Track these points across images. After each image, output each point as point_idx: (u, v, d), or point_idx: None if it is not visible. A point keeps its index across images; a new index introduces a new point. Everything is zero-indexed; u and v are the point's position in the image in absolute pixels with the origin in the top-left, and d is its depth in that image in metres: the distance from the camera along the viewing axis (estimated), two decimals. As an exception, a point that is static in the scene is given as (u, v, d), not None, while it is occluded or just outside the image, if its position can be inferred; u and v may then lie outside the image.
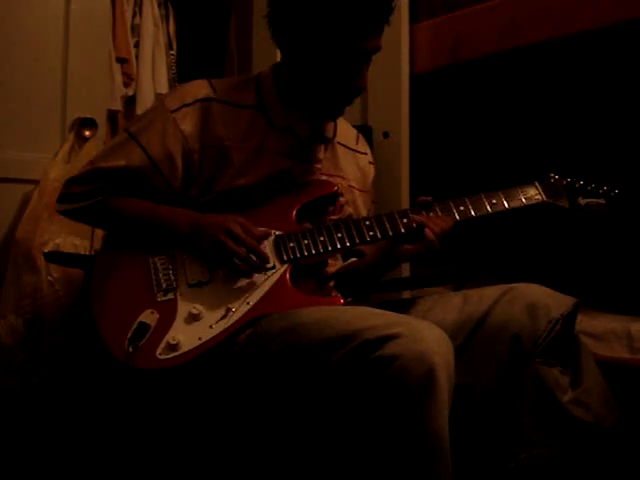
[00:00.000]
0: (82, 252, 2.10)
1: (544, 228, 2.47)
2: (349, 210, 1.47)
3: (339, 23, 1.24)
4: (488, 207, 1.35)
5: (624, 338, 1.91)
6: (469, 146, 2.56)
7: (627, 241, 2.07)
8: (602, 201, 1.41)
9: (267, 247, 1.30)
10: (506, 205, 1.36)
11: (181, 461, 1.35)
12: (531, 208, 1.39)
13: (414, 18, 2.53)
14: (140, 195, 1.34)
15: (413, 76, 2.51)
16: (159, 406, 1.33)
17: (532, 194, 1.39)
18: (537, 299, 1.22)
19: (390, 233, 1.32)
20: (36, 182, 2.14)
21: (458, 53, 2.38)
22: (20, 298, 2.05)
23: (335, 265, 1.45)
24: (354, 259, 1.51)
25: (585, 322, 1.75)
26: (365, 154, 1.57)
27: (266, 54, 2.26)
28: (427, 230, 1.29)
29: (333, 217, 1.41)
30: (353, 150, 1.54)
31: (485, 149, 2.43)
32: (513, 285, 1.27)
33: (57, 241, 2.07)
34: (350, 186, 1.49)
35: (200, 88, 1.38)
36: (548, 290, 1.26)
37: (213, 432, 1.29)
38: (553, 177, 1.42)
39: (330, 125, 1.45)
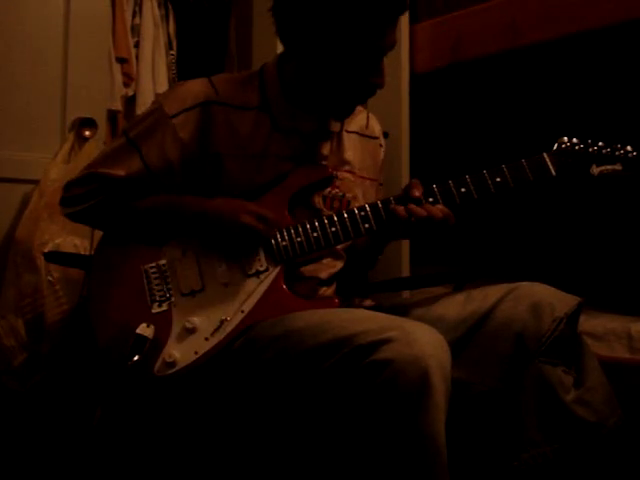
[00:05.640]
0: (82, 252, 2.09)
1: (544, 222, 2.47)
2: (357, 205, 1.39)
3: (357, 16, 1.18)
4: (492, 186, 1.25)
5: (624, 338, 1.92)
6: (469, 146, 2.56)
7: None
8: (618, 167, 1.25)
9: (260, 249, 1.28)
10: (511, 183, 1.24)
11: (176, 463, 1.35)
12: (538, 185, 1.25)
13: (414, 18, 2.54)
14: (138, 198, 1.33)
15: (413, 76, 2.52)
16: (155, 410, 1.33)
17: (540, 168, 1.25)
18: (541, 298, 1.21)
19: (386, 225, 1.26)
20: (36, 182, 2.13)
21: (458, 53, 2.39)
22: (20, 298, 2.04)
23: (335, 267, 1.41)
24: None
25: (585, 322, 1.75)
26: (376, 138, 1.51)
27: (266, 54, 2.26)
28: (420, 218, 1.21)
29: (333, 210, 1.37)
30: (362, 136, 1.48)
31: (485, 149, 2.43)
32: (517, 284, 1.26)
33: (57, 241, 2.07)
34: (360, 177, 1.44)
35: (201, 88, 1.32)
36: (552, 289, 1.25)
37: (208, 437, 1.29)
38: (564, 142, 1.27)
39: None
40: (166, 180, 1.32)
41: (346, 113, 1.36)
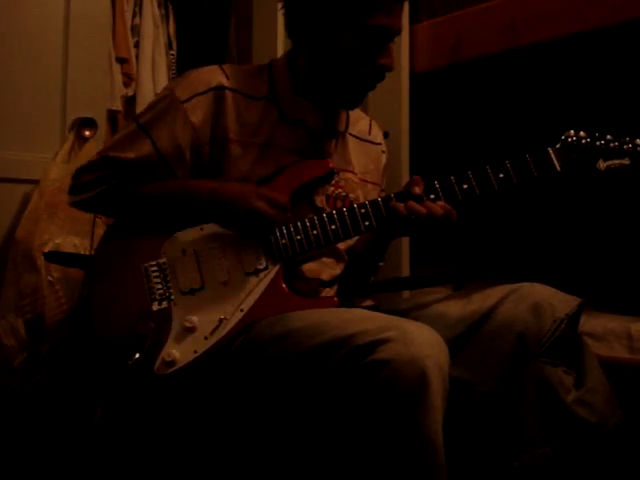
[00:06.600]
0: (82, 252, 2.09)
1: (544, 222, 2.47)
2: None
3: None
4: (495, 183, 1.22)
5: (624, 338, 1.92)
6: (469, 146, 2.56)
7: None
8: (626, 161, 1.20)
9: (259, 247, 1.28)
10: (515, 179, 1.21)
11: (176, 463, 1.35)
12: (543, 182, 1.22)
13: (414, 18, 2.54)
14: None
15: (413, 76, 2.51)
16: (155, 410, 1.33)
17: (545, 163, 1.21)
18: (542, 299, 1.21)
19: (387, 222, 1.25)
20: (36, 182, 2.13)
21: (458, 53, 2.39)
22: (20, 298, 2.04)
23: (335, 269, 1.41)
24: None
25: (585, 322, 1.76)
26: (378, 144, 1.53)
27: (266, 54, 2.26)
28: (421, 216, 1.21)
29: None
30: (365, 141, 1.50)
31: (485, 149, 2.43)
32: (518, 285, 1.26)
33: (57, 241, 2.07)
34: (362, 180, 1.45)
35: (213, 75, 1.34)
36: (553, 290, 1.25)
37: (208, 436, 1.29)
38: (570, 136, 1.23)
39: (342, 117, 1.42)
40: (176, 166, 1.32)
41: (356, 101, 1.36)
